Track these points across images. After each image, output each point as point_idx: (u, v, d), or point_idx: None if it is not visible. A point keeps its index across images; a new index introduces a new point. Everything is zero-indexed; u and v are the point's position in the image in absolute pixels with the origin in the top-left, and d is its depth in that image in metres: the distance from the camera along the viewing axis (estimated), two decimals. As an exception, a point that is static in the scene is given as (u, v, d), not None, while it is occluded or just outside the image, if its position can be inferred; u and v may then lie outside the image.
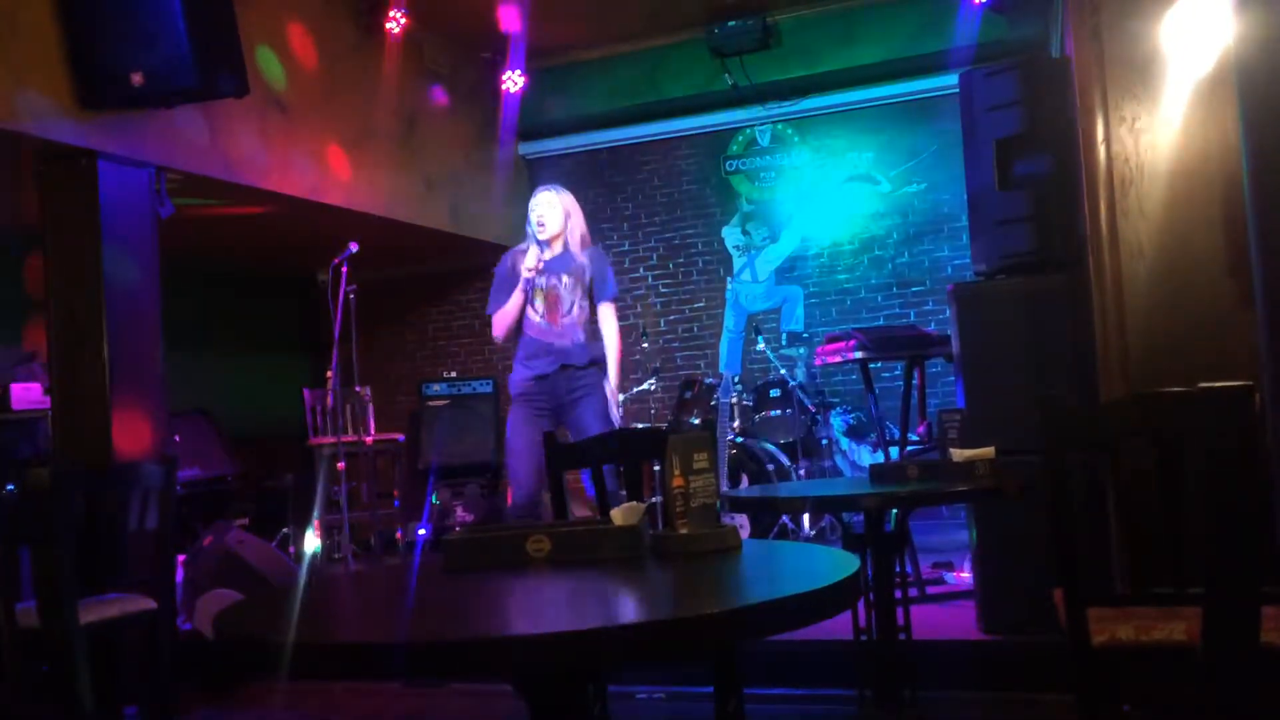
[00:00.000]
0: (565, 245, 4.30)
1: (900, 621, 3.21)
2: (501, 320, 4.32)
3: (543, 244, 4.31)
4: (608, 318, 4.35)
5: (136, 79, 4.21)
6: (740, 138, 7.90)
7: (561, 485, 2.99)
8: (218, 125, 5.06)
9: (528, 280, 4.27)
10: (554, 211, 4.30)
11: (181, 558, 5.07)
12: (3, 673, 2.46)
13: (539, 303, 4.27)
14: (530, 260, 4.23)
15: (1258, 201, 2.80)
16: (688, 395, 6.62)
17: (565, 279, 4.26)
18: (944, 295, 4.56)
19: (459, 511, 7.52)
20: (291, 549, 6.60)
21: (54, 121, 4.27)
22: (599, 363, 4.28)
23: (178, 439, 6.54)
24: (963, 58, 6.20)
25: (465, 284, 8.52)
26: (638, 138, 8.00)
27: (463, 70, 7.29)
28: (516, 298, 4.28)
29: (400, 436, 7.16)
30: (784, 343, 7.14)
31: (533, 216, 4.33)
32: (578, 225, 4.34)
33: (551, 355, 4.25)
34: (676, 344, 8.00)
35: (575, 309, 4.25)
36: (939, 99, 6.98)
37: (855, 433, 6.84)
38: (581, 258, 4.31)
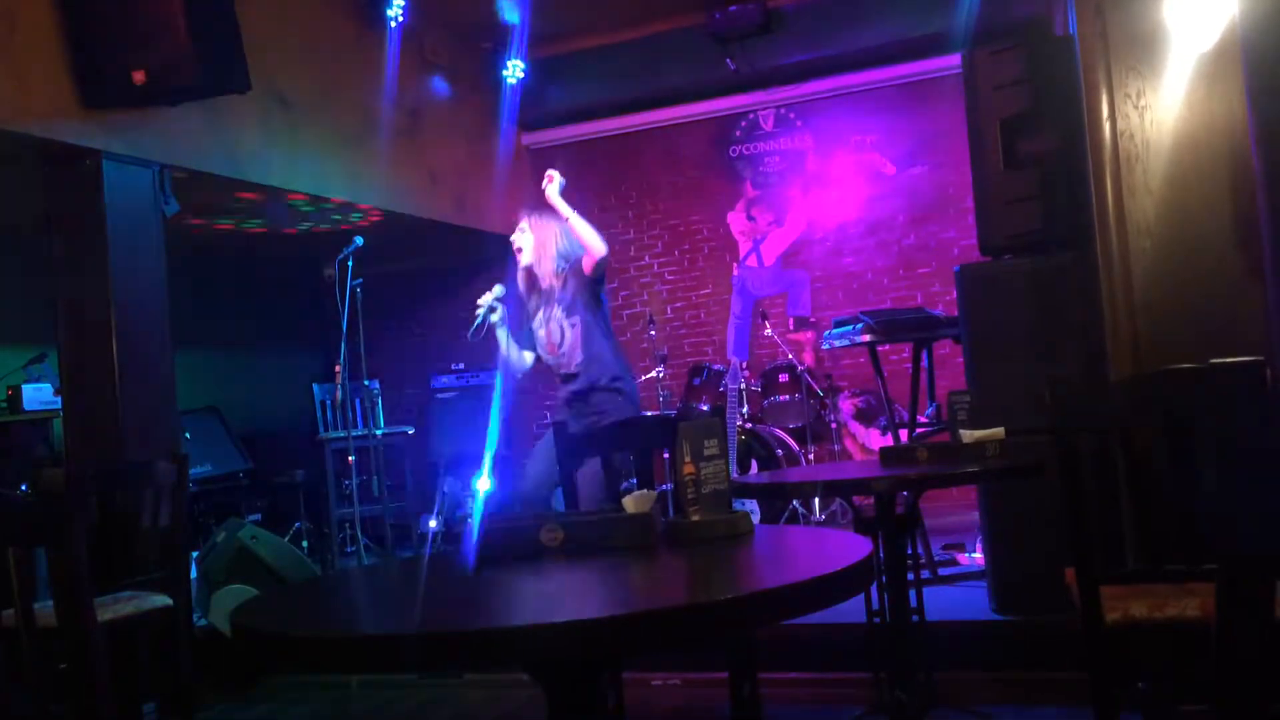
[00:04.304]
0: (548, 276, 4.27)
1: (913, 604, 3.22)
2: (506, 362, 4.35)
3: (528, 268, 4.31)
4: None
5: (139, 77, 4.20)
6: (744, 122, 7.88)
7: (573, 482, 2.99)
8: (221, 122, 5.06)
9: (525, 333, 4.30)
10: (524, 239, 4.29)
11: (195, 554, 5.10)
12: (22, 672, 2.47)
13: (541, 340, 4.29)
14: (484, 298, 4.23)
15: (1267, 173, 2.79)
16: (696, 382, 6.62)
17: (554, 312, 4.24)
18: (951, 276, 4.56)
19: (470, 503, 7.54)
20: (305, 543, 6.63)
21: (57, 121, 4.27)
22: (608, 383, 4.23)
23: (188, 436, 6.57)
24: (966, 37, 6.16)
25: (472, 275, 8.47)
26: (640, 125, 7.96)
27: (463, 61, 7.28)
28: (500, 340, 4.28)
29: (410, 429, 7.17)
30: (791, 327, 7.13)
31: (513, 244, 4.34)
32: (550, 251, 4.26)
33: (563, 384, 4.30)
34: (683, 330, 8.00)
35: (568, 335, 4.21)
36: (943, 79, 6.94)
37: (864, 416, 6.84)
38: (557, 283, 4.27)
